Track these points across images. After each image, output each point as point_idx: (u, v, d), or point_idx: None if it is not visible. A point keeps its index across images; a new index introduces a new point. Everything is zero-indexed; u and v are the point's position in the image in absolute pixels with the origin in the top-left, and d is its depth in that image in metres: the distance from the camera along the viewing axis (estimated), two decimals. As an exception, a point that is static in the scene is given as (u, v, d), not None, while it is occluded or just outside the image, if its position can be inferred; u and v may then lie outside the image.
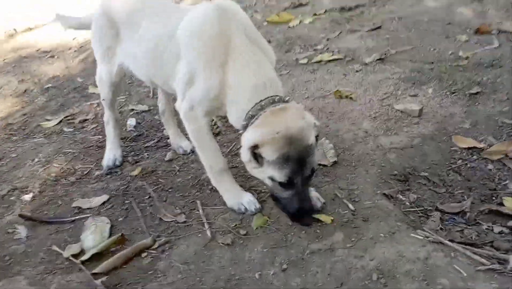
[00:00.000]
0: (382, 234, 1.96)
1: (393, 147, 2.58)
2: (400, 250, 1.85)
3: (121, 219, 2.32)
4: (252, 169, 1.98)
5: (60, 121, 3.68)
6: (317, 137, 1.98)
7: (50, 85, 4.64)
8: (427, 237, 1.93)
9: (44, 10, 9.35)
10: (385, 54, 3.82)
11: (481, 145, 2.55)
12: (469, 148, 2.56)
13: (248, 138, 1.91)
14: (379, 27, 4.54)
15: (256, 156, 1.90)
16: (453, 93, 2.98)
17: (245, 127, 1.98)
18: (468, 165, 2.49)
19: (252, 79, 1.98)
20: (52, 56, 5.85)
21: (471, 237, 2.01)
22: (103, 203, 2.44)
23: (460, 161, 2.51)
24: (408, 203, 2.26)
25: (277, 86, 2.04)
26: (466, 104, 2.84)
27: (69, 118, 3.74)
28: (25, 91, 4.58)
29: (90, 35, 2.77)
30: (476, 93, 2.89)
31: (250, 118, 1.95)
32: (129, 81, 4.42)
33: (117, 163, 2.80)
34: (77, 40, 6.63)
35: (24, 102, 4.29)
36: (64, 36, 7.03)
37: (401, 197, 2.30)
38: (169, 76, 2.22)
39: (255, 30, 2.18)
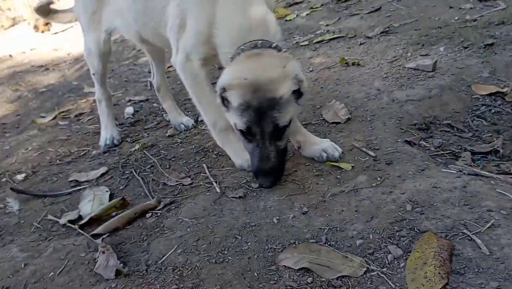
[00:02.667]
0: (410, 172, 1.76)
1: (409, 99, 2.40)
2: (433, 182, 1.65)
3: (121, 187, 2.12)
4: (225, 113, 1.85)
5: (55, 117, 3.52)
6: (299, 91, 1.77)
7: (44, 89, 4.51)
8: (461, 171, 1.73)
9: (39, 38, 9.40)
10: (388, 27, 3.69)
11: (504, 90, 2.37)
12: (491, 94, 2.38)
13: (219, 80, 1.77)
14: (378, 9, 4.43)
15: (223, 99, 1.77)
16: (466, 47, 2.81)
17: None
18: (493, 110, 2.30)
19: (238, 19, 1.79)
20: (47, 69, 5.77)
21: (510, 170, 1.81)
22: (102, 175, 2.25)
23: (483, 107, 2.33)
24: (433, 149, 2.07)
25: (266, 30, 1.82)
26: (482, 55, 2.67)
27: (64, 113, 3.58)
28: (19, 97, 4.45)
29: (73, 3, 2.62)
30: (491, 44, 2.72)
31: (231, 60, 1.80)
32: (125, 79, 4.30)
33: (115, 142, 2.63)
34: (72, 54, 6.58)
35: (19, 105, 4.15)
36: (59, 53, 7.02)
37: (424, 143, 2.11)
38: (159, 25, 2.05)
39: None
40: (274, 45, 1.80)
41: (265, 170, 1.77)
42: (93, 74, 2.62)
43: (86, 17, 2.45)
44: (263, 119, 1.70)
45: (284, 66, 1.73)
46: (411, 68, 2.74)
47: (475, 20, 3.28)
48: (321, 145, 2.01)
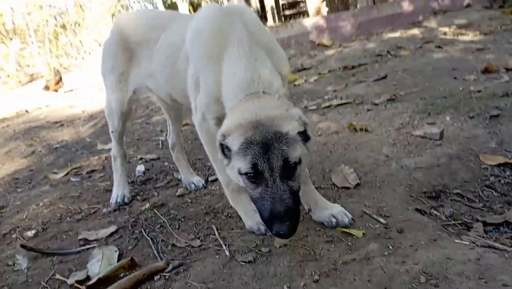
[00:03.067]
0: (423, 242, 1.75)
1: (418, 167, 2.43)
2: (447, 253, 1.63)
3: (130, 247, 2.11)
4: (228, 170, 1.74)
5: (67, 173, 3.57)
6: (305, 133, 1.69)
7: (58, 145, 4.60)
8: (474, 242, 1.72)
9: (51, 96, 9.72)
10: (395, 95, 3.81)
11: (512, 161, 2.41)
12: (499, 165, 2.41)
13: (218, 132, 1.71)
14: (384, 77, 4.62)
15: (224, 150, 1.69)
16: (472, 118, 2.89)
17: None
18: (502, 181, 2.32)
19: (241, 73, 1.78)
20: (62, 125, 5.91)
21: (523, 243, 1.79)
22: (111, 234, 2.24)
23: (492, 177, 2.35)
24: (444, 218, 2.07)
25: (269, 85, 1.78)
26: (488, 125, 2.73)
27: (76, 169, 3.63)
28: (33, 152, 4.54)
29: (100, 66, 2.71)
30: (497, 115, 2.80)
31: None
32: (137, 137, 4.40)
33: (126, 200, 2.65)
34: (86, 111, 6.78)
35: (32, 160, 4.22)
36: (74, 110, 7.23)
37: (435, 212, 2.11)
38: (185, 86, 2.14)
39: (265, 32, 2.05)
40: (277, 96, 1.78)
41: (279, 213, 1.54)
42: (112, 131, 2.69)
43: (114, 77, 2.54)
44: (270, 152, 1.57)
45: (286, 109, 1.68)
46: (418, 136, 2.80)
47: (479, 91, 3.39)
48: (331, 211, 2.00)
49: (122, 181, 2.72)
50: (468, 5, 8.52)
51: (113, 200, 2.64)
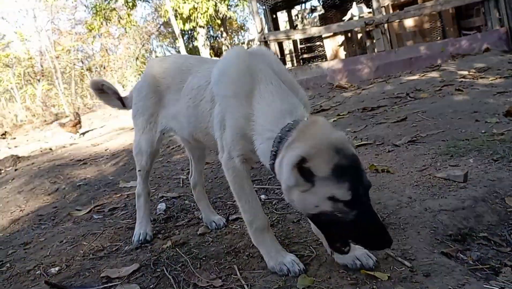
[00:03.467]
0: (450, 286, 1.71)
1: (443, 209, 2.40)
2: (475, 299, 1.59)
3: (152, 286, 2.10)
4: (301, 195, 1.67)
5: (90, 210, 3.63)
6: None
7: (81, 183, 4.69)
8: (503, 288, 1.67)
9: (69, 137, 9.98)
10: (415, 137, 3.81)
11: (540, 205, 2.36)
12: (526, 208, 2.36)
13: (288, 158, 1.67)
14: (404, 119, 4.63)
15: (305, 173, 1.64)
16: (496, 160, 2.86)
17: (274, 155, 1.80)
18: (530, 225, 2.27)
19: (277, 105, 1.87)
20: (85, 163, 6.04)
21: (555, 290, 1.73)
22: (133, 272, 2.25)
23: (519, 221, 2.30)
24: (471, 262, 2.02)
25: (303, 116, 1.87)
26: (513, 168, 2.70)
27: (99, 207, 3.69)
28: (57, 189, 4.64)
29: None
30: (522, 158, 2.77)
31: (280, 143, 1.78)
32: (158, 176, 4.46)
33: (148, 238, 2.66)
34: (109, 150, 6.93)
35: (55, 198, 4.31)
36: (97, 148, 7.41)
37: (462, 256, 2.06)
38: (207, 125, 2.21)
39: (286, 73, 2.12)
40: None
41: (383, 227, 1.71)
42: (139, 170, 2.73)
43: (144, 119, 2.62)
44: (362, 176, 1.65)
45: (334, 129, 1.78)
46: (441, 178, 2.77)
47: (502, 134, 3.37)
48: (355, 253, 1.97)
49: (145, 219, 2.75)
50: (487, 50, 8.59)
51: (135, 237, 2.66)
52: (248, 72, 1.99)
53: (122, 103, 2.89)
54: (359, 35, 12.76)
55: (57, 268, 2.42)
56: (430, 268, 1.88)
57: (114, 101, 2.92)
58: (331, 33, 12.30)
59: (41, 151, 8.47)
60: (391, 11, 11.24)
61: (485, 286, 1.70)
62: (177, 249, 2.42)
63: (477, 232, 2.25)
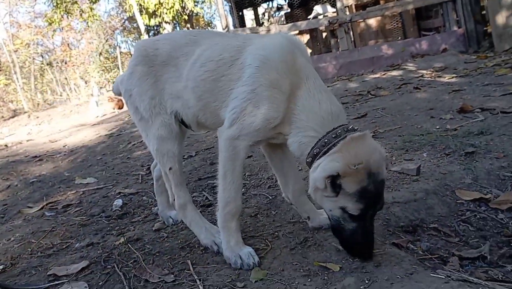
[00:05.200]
0: (398, 276, 1.74)
1: (395, 202, 2.44)
2: (422, 287, 1.61)
3: (101, 283, 2.03)
4: (323, 197, 1.86)
5: (42, 207, 3.48)
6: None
7: (35, 180, 4.51)
8: (449, 276, 1.71)
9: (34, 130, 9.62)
10: (374, 132, 3.88)
11: (488, 196, 2.44)
12: (475, 200, 2.43)
13: (326, 166, 1.78)
14: (364, 115, 4.71)
15: (334, 185, 1.77)
16: (448, 154, 2.94)
17: (315, 155, 1.87)
18: (478, 216, 2.34)
19: (327, 106, 1.90)
20: (41, 160, 5.83)
21: (498, 277, 1.79)
22: (82, 269, 2.17)
23: (468, 212, 2.37)
24: (421, 252, 2.07)
25: (344, 118, 1.96)
26: (464, 162, 2.78)
27: (52, 204, 3.55)
28: (8, 186, 4.45)
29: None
30: (472, 152, 2.85)
31: (323, 146, 1.84)
32: (117, 172, 4.35)
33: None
34: (67, 146, 6.71)
35: (6, 195, 4.12)
36: (55, 144, 7.15)
37: (412, 246, 2.11)
38: (221, 105, 2.05)
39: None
40: (356, 128, 1.94)
41: (371, 246, 1.89)
42: (170, 168, 2.26)
43: (145, 105, 2.25)
44: (377, 202, 1.82)
45: (380, 152, 1.84)
46: (396, 172, 2.83)
47: (455, 130, 3.47)
48: (325, 215, 2.11)
49: (211, 227, 2.31)
50: (445, 50, 8.88)
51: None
52: (292, 68, 1.93)
53: None
54: (324, 34, 12.92)
55: (1, 267, 2.30)
56: (381, 259, 1.90)
57: None
58: (297, 31, 12.38)
59: (-5, 148, 8.10)
60: (354, 11, 11.44)
61: (432, 274, 1.73)
62: (130, 245, 2.36)
63: (427, 223, 2.31)
